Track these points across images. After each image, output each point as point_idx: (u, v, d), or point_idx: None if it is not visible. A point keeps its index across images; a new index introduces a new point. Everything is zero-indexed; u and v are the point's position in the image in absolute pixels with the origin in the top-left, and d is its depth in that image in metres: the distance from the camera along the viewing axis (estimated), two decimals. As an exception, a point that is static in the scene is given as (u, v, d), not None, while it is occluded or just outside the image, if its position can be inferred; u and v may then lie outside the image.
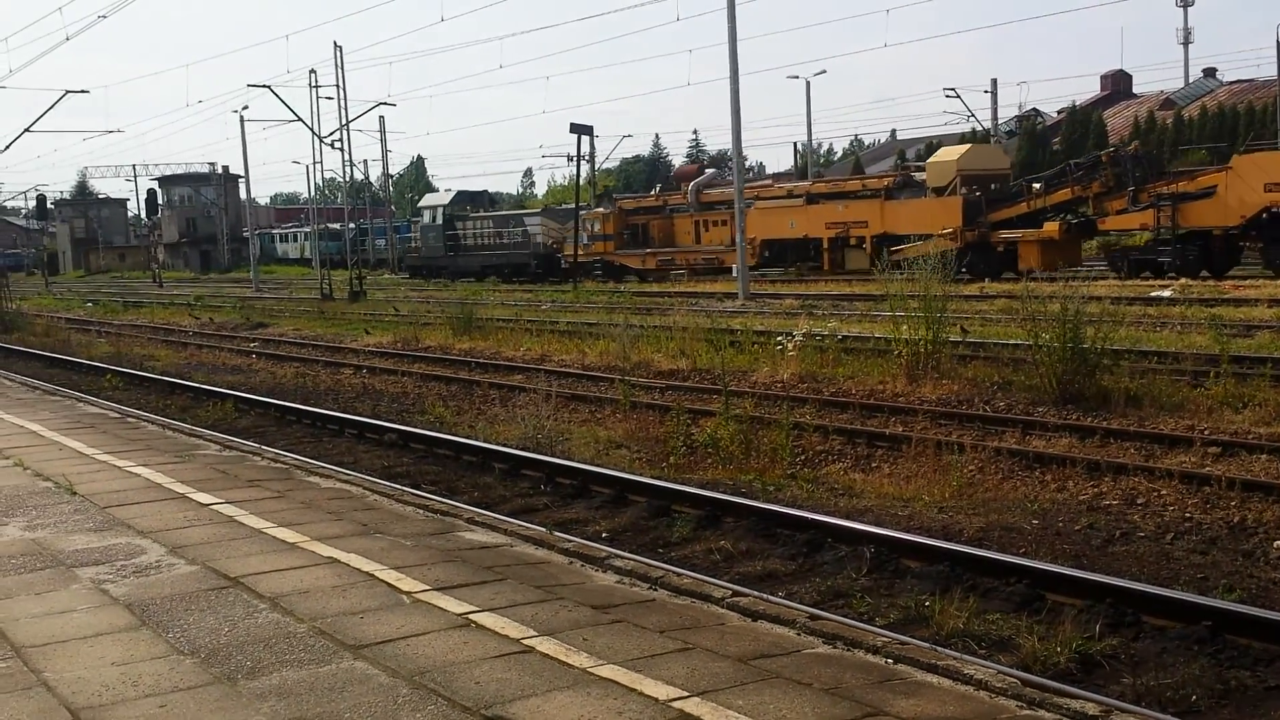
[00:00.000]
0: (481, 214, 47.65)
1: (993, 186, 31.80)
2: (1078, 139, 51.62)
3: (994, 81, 60.32)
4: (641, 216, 42.90)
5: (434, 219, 49.25)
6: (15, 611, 5.41)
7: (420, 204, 51.50)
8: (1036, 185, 30.91)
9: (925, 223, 31.08)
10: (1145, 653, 5.69)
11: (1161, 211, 26.69)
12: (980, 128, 57.37)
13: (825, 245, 34.77)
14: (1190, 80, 68.64)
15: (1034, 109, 65.51)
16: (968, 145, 38.01)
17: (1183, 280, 24.76)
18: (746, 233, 32.65)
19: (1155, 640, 5.78)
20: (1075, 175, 29.85)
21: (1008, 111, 64.43)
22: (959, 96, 58.15)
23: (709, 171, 45.77)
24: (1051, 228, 28.96)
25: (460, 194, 50.72)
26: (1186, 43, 74.87)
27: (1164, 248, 26.87)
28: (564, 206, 47.50)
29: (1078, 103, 62.24)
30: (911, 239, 30.04)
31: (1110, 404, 11.32)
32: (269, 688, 4.35)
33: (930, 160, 34.94)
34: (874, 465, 10.26)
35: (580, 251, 39.88)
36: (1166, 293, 22.51)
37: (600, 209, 43.16)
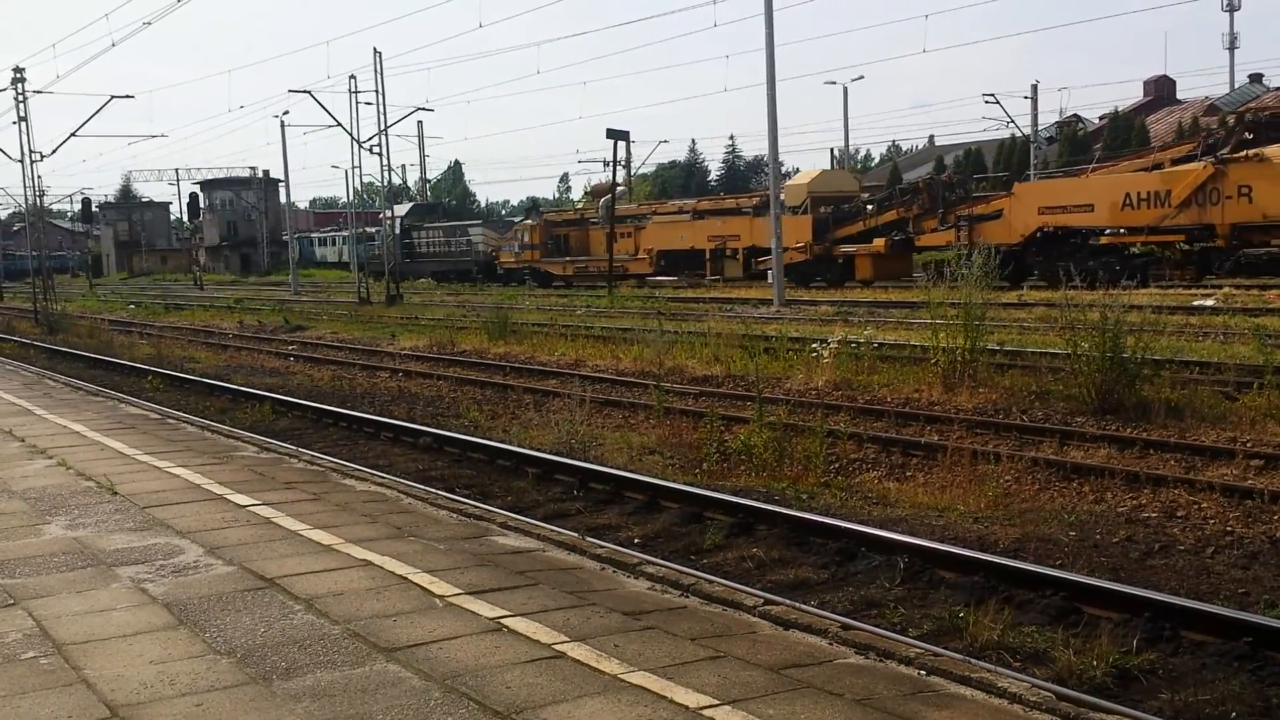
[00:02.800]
0: (432, 224, 52.46)
1: (844, 207, 36.44)
2: (1119, 145, 51.12)
3: (1034, 87, 59.72)
4: (563, 229, 48.44)
5: (395, 228, 53.94)
6: (57, 609, 5.49)
7: (383, 214, 56.56)
8: (870, 206, 35.39)
9: (786, 237, 34.94)
10: (1184, 668, 5.61)
11: (961, 230, 31.14)
12: (1020, 133, 56.93)
13: (708, 255, 39.94)
14: (1236, 86, 67.74)
15: (1075, 114, 64.85)
16: (820, 170, 43.59)
17: (1226, 289, 24.53)
18: (644, 245, 40.27)
19: (1194, 656, 5.70)
20: (900, 198, 34.59)
21: (1048, 117, 63.78)
22: (998, 102, 57.72)
23: (620, 189, 51.86)
24: (879, 243, 34.00)
25: (416, 206, 56.63)
26: (1232, 48, 73.87)
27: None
28: (500, 219, 53.57)
29: (1120, 108, 61.63)
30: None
31: (1150, 415, 11.18)
32: (303, 689, 4.39)
33: (788, 183, 39.85)
34: (909, 474, 10.19)
35: (512, 259, 45.27)
36: (1209, 302, 22.23)
37: (529, 221, 48.98)
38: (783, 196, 37.22)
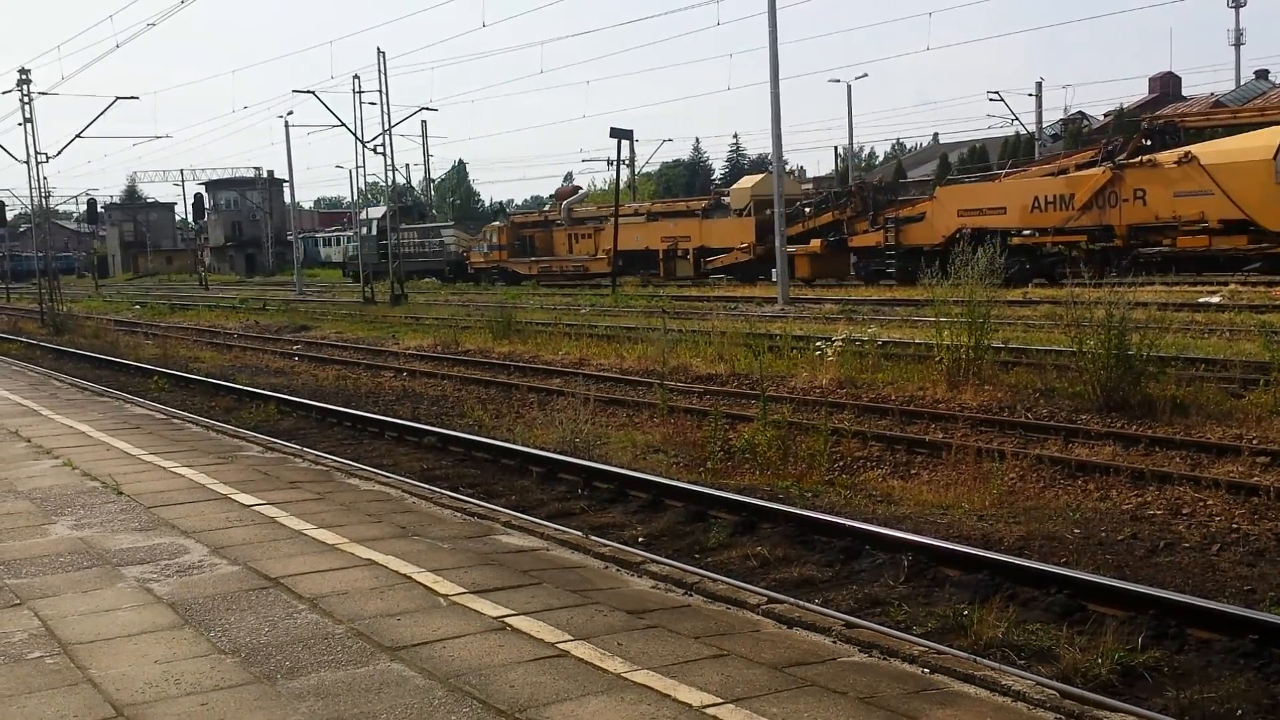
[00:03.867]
0: (407, 226, 54.37)
1: (803, 209, 37.38)
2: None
3: (1039, 84, 59.69)
4: (529, 230, 50.36)
5: (370, 230, 57.04)
6: (63, 609, 5.51)
7: (360, 217, 59.68)
8: (808, 209, 36.99)
9: (731, 238, 38.15)
10: (1189, 666, 5.60)
11: (888, 231, 32.83)
12: (1024, 131, 56.88)
13: (660, 256, 41.82)
14: (1242, 82, 67.56)
15: (1080, 112, 64.75)
16: (762, 175, 44.06)
17: (1232, 285, 24.52)
18: (603, 245, 41.67)
19: (1199, 653, 5.69)
20: (835, 202, 36.31)
21: (1053, 114, 63.69)
22: (1003, 100, 57.76)
23: (581, 192, 56.10)
24: (816, 244, 35.75)
25: (391, 208, 57.71)
26: (1238, 44, 73.75)
27: (890, 260, 32.68)
28: (470, 220, 56.38)
29: (1125, 105, 61.48)
30: (722, 251, 38.22)
31: (1155, 412, 11.17)
32: (307, 688, 4.39)
33: (733, 187, 42.11)
34: (913, 472, 10.18)
35: (481, 259, 47.10)
36: (1215, 299, 22.18)
37: (497, 223, 50.88)
38: (728, 200, 40.42)
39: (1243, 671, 5.45)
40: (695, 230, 40.07)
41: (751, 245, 37.38)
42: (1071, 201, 28.35)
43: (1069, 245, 28.68)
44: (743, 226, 37.88)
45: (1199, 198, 25.57)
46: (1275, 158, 24.31)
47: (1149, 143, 28.21)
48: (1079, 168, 29.35)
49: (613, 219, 42.85)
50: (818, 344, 15.44)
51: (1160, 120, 30.19)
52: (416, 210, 63.14)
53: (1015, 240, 29.13)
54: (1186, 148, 26.83)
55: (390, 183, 48.70)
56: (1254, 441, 9.92)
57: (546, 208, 55.60)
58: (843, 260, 35.99)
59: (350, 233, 66.39)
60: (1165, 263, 26.16)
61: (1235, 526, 8.01)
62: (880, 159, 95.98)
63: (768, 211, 36.23)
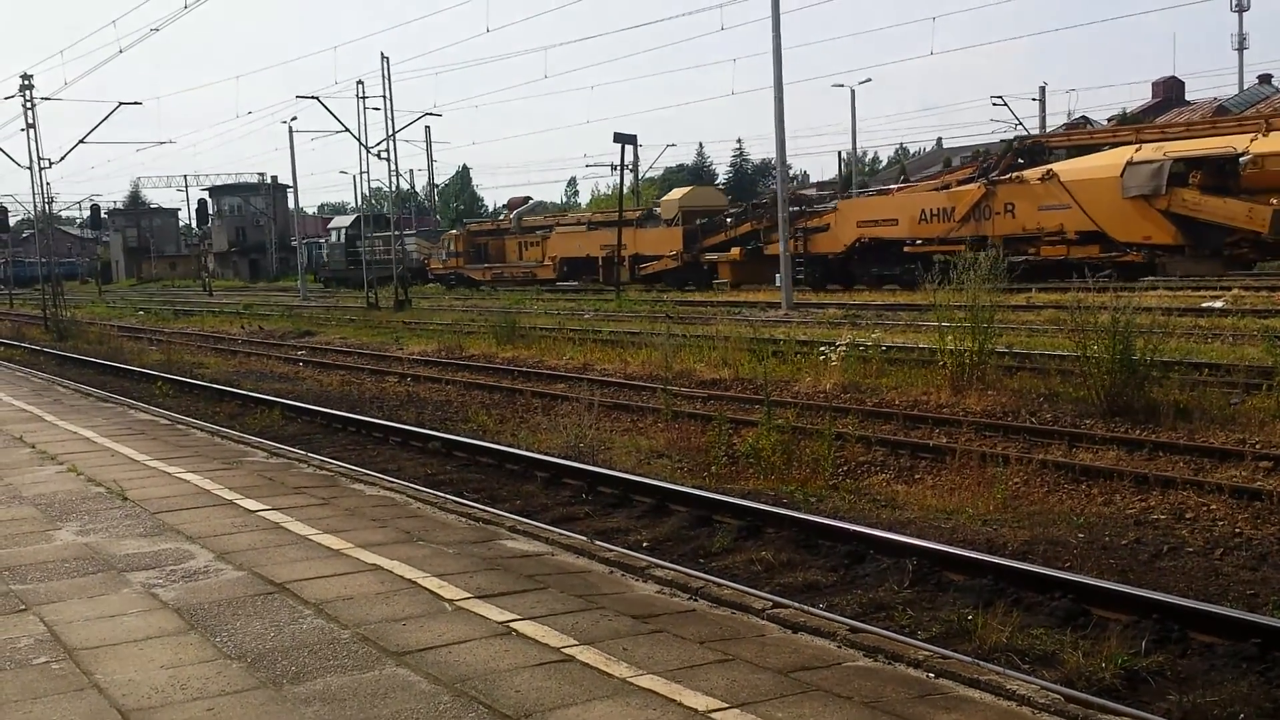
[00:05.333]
0: (373, 234, 56.50)
1: (710, 220, 40.10)
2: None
3: (1042, 89, 59.87)
4: (483, 238, 53.13)
5: (339, 238, 59.57)
6: (68, 614, 5.52)
7: (329, 225, 62.11)
8: (730, 220, 39.24)
9: (662, 246, 40.82)
10: (1192, 670, 5.61)
11: (798, 241, 34.78)
12: (1028, 135, 56.81)
13: (600, 263, 43.78)
14: (1245, 86, 67.51)
15: (1083, 116, 64.63)
16: (690, 188, 48.61)
17: (1235, 290, 24.56)
18: (549, 253, 45.45)
19: (1203, 657, 5.70)
20: (753, 213, 38.34)
21: (1057, 119, 63.69)
22: (1006, 104, 57.80)
23: (532, 202, 58.80)
24: (736, 252, 37.99)
25: (359, 217, 59.87)
26: (1241, 48, 73.64)
27: (800, 267, 34.70)
28: (431, 229, 58.75)
29: (1129, 110, 61.46)
30: (653, 258, 41.18)
31: (1159, 416, 11.16)
32: (313, 693, 4.41)
33: (663, 199, 45.11)
34: (917, 477, 10.19)
35: (440, 265, 48.99)
36: (1218, 304, 22.18)
37: (454, 231, 53.51)
38: (659, 210, 43.35)
39: (1245, 675, 5.45)
40: (630, 239, 42.21)
41: (679, 253, 40.13)
42: (953, 214, 30.59)
43: (951, 254, 29.79)
44: (672, 235, 40.51)
45: (1059, 211, 27.74)
46: (1122, 175, 26.19)
47: (1021, 161, 30.48)
48: (960, 183, 31.78)
49: (556, 227, 46.36)
50: (822, 349, 15.46)
51: (1029, 140, 32.94)
52: (384, 219, 66.21)
53: (907, 249, 31.70)
54: (1049, 165, 29.03)
55: (394, 188, 48.83)
56: (1257, 446, 9.92)
57: (500, 217, 58.06)
58: (761, 267, 37.55)
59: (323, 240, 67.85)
60: (1032, 271, 28.14)
61: (1238, 531, 8.02)
62: (884, 163, 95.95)
63: (698, 221, 39.95)
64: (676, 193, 45.03)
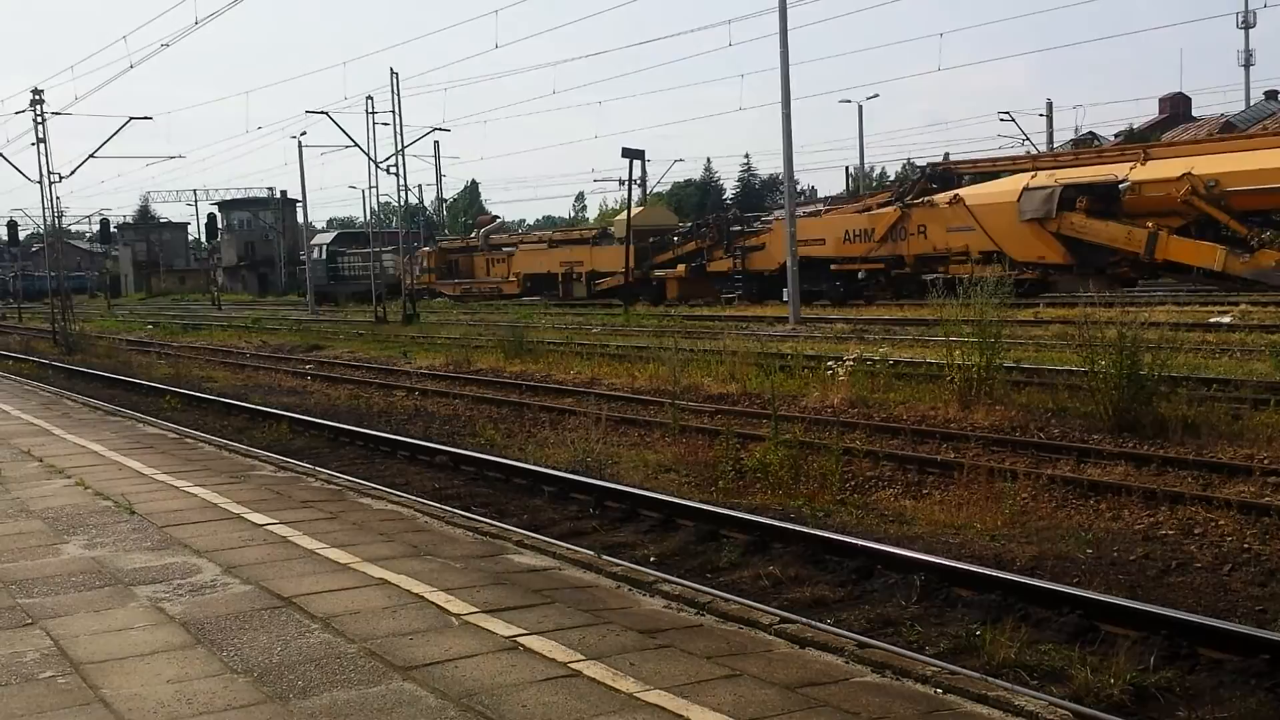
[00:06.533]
0: (353, 250, 58.10)
1: (672, 239, 42.33)
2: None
3: (1049, 104, 59.79)
4: (454, 255, 55.71)
5: (321, 254, 61.39)
6: (75, 628, 5.53)
7: (312, 242, 63.25)
8: (676, 238, 41.74)
9: (615, 263, 42.57)
10: (1201, 686, 5.58)
11: (737, 259, 37.53)
12: (1035, 151, 56.84)
13: (560, 278, 46.18)
14: (1251, 103, 67.44)
15: (1090, 132, 64.73)
16: (641, 208, 49.77)
17: (1242, 306, 24.56)
18: (514, 269, 48.47)
19: (1211, 673, 5.68)
20: (697, 232, 40.73)
21: (1064, 135, 63.71)
22: (1013, 120, 57.78)
23: (498, 221, 62.50)
24: (681, 269, 40.51)
25: (341, 234, 63.28)
26: (1248, 65, 73.39)
27: (738, 283, 37.57)
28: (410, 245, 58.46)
29: (1135, 126, 61.45)
30: (608, 274, 43.19)
31: (1167, 432, 11.13)
32: (320, 707, 4.41)
33: (615, 219, 47.57)
34: (925, 492, 10.17)
35: (414, 281, 49.35)
36: (1226, 319, 22.14)
37: (427, 248, 55.80)
38: (613, 230, 45.40)
39: (1254, 692, 5.43)
40: (587, 256, 45.00)
41: (631, 270, 42.14)
42: (873, 234, 32.98)
43: (872, 272, 33.69)
44: (623, 253, 42.13)
45: (965, 233, 30.15)
46: (1019, 200, 28.48)
47: (934, 186, 32.53)
48: (879, 207, 34.01)
49: (520, 246, 48.62)
50: (829, 363, 15.44)
51: (940, 167, 34.94)
52: (364, 236, 69.83)
53: (834, 267, 34.18)
54: (956, 190, 31.25)
55: (403, 203, 49.02)
56: (1265, 461, 9.89)
57: (471, 235, 60.80)
58: (705, 283, 39.93)
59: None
60: (945, 286, 29.64)
61: (1247, 547, 7.99)
62: (891, 179, 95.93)
63: (650, 239, 42.23)
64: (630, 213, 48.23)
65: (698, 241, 40.01)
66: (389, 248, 61.94)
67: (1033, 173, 29.58)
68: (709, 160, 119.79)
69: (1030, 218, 28.13)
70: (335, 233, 65.74)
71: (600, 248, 44.72)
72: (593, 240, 46.08)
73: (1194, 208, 25.40)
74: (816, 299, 33.91)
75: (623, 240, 42.51)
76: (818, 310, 31.88)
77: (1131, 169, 26.79)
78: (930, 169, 34.56)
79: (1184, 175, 25.40)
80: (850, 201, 40.37)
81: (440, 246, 58.71)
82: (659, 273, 41.56)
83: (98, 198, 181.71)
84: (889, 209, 32.74)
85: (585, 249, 45.39)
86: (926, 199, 31.74)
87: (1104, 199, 26.96)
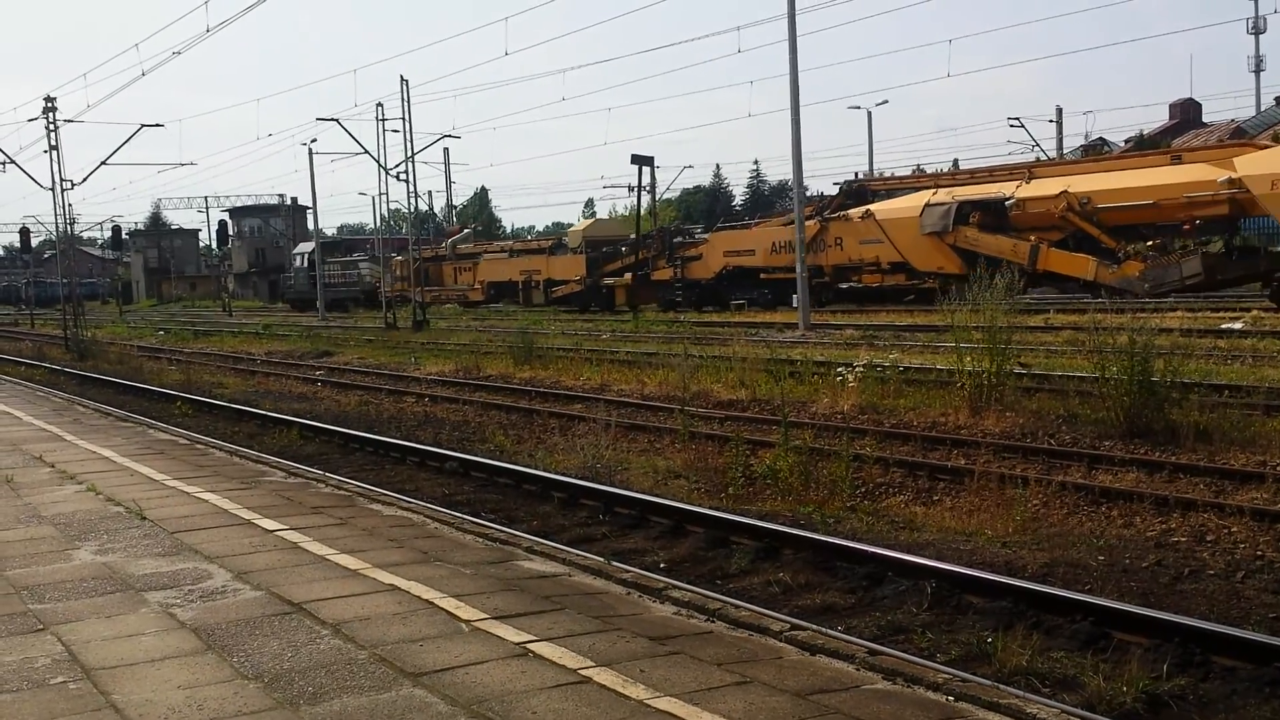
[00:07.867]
0: (332, 259, 59.21)
1: (620, 249, 43.96)
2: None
3: (1059, 110, 59.83)
4: (427, 263, 56.03)
5: (303, 262, 62.60)
6: (86, 634, 5.54)
7: (295, 250, 64.96)
8: (624, 249, 43.40)
9: (569, 272, 45.43)
10: (1214, 694, 5.55)
11: (677, 268, 40.05)
12: (1045, 157, 56.74)
13: (520, 286, 48.44)
14: (1262, 108, 67.26)
15: (1100, 138, 64.65)
16: (593, 219, 54.20)
17: (1254, 311, 24.51)
18: (479, 277, 50.51)
19: (1225, 681, 5.65)
20: (643, 243, 42.54)
21: (1074, 140, 63.63)
22: (1023, 126, 57.72)
23: (465, 232, 63.84)
24: (627, 278, 42.57)
25: (323, 243, 63.67)
26: (1258, 70, 73.30)
27: (678, 291, 39.99)
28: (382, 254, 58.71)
29: (1145, 131, 61.31)
30: (563, 282, 45.50)
31: (1179, 438, 11.09)
32: (330, 713, 4.41)
33: (570, 230, 51.17)
34: (935, 498, 10.15)
35: (389, 289, 51.27)
36: (1238, 325, 22.07)
37: (400, 257, 56.70)
38: (566, 240, 48.10)
39: (1268, 700, 5.40)
40: (544, 265, 47.15)
41: (583, 278, 44.49)
42: None
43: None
44: (577, 262, 44.91)
45: (875, 245, 32.59)
46: (921, 215, 31.01)
47: (850, 201, 34.82)
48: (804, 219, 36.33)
49: (484, 255, 50.65)
50: (839, 370, 15.42)
51: (855, 184, 37.39)
52: (344, 244, 70.63)
53: (763, 276, 36.43)
54: (868, 205, 33.54)
55: (413, 209, 49.13)
56: (1278, 468, 9.84)
57: (441, 245, 61.93)
58: (650, 290, 42.05)
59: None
60: (859, 294, 33.95)
61: (1260, 554, 7.95)
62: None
63: (603, 249, 44.46)
64: (582, 224, 50.95)
65: (643, 251, 42.20)
66: (364, 256, 64.66)
67: (934, 190, 32.07)
68: (718, 166, 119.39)
69: (930, 231, 30.61)
70: (313, 243, 67.04)
71: (556, 257, 47.10)
72: (549, 250, 48.60)
73: (1070, 223, 27.79)
74: (750, 305, 36.41)
75: (577, 250, 45.44)
76: (826, 316, 31.91)
77: (1018, 187, 29.24)
78: (847, 186, 37.03)
79: (1061, 193, 27.78)
80: (778, 215, 43.65)
81: (410, 255, 60.55)
82: (609, 280, 43.61)
83: (110, 204, 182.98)
84: (811, 222, 34.25)
85: (542, 258, 47.72)
86: (842, 214, 34.00)
87: (994, 214, 29.34)
